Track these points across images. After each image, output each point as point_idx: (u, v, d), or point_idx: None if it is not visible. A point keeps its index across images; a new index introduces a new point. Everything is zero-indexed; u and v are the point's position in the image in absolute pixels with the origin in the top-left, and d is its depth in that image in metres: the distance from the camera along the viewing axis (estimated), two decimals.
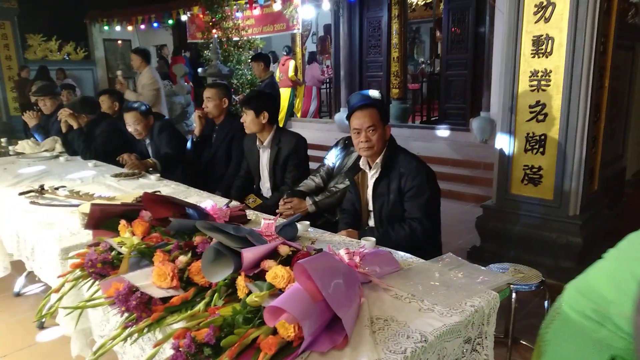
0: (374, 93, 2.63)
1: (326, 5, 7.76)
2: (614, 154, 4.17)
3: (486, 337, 1.33)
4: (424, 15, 12.03)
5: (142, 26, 10.38)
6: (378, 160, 2.17)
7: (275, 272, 1.25)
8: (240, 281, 1.29)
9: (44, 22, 11.23)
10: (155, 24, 10.22)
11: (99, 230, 1.85)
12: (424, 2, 11.41)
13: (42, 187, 2.58)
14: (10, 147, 4.35)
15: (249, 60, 8.50)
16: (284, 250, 1.34)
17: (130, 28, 10.75)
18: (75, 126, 3.71)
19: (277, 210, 2.53)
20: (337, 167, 2.79)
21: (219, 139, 3.42)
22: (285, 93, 9.62)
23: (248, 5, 8.05)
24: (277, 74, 8.80)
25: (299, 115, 9.75)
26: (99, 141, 3.77)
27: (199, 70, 6.83)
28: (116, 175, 3.06)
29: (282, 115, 9.31)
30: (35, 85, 5.44)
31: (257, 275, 1.32)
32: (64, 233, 2.02)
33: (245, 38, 8.18)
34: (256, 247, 1.34)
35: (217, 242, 1.40)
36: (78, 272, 1.63)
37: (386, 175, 2.15)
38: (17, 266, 2.82)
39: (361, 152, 2.17)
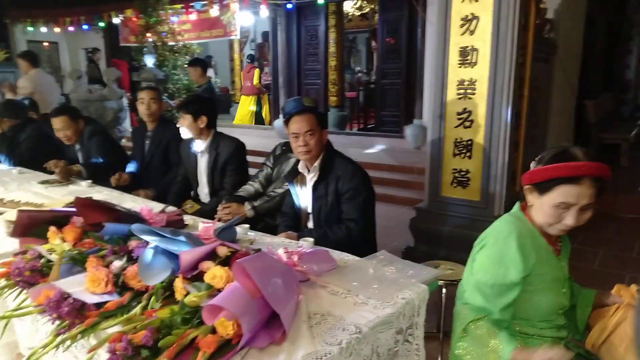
0: (307, 100, 2.72)
1: (264, 13, 7.79)
2: (534, 158, 4.49)
3: (417, 328, 1.41)
4: (360, 26, 12.34)
5: (71, 28, 9.90)
6: (316, 163, 2.23)
7: (214, 273, 1.27)
8: (178, 283, 1.29)
9: None
10: (85, 26, 9.79)
11: (27, 237, 1.78)
12: (360, 12, 11.71)
13: None
14: None
15: (185, 65, 8.37)
16: (223, 251, 1.36)
17: (57, 30, 10.23)
18: None
19: (215, 216, 2.52)
20: (275, 173, 2.83)
21: (153, 145, 3.35)
22: (248, 100, 9.59)
23: (184, 10, 7.93)
24: (240, 82, 8.81)
25: (267, 123, 9.70)
26: (24, 147, 3.58)
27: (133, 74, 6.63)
28: (44, 182, 2.92)
29: (245, 121, 9.29)
30: None
31: (196, 277, 1.33)
32: None
33: (181, 43, 8.03)
34: (194, 249, 1.35)
35: (154, 245, 1.39)
36: (3, 282, 1.56)
37: (324, 178, 2.21)
38: None
39: (299, 155, 2.22)
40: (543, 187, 1.37)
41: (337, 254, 1.73)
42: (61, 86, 11.25)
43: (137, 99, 3.34)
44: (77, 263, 1.53)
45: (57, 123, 3.27)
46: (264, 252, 1.36)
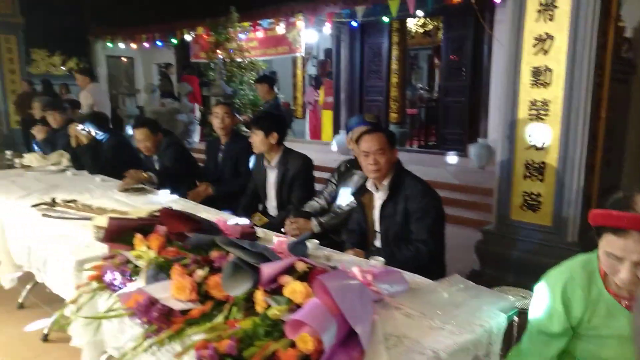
0: (369, 117, 2.75)
1: (327, 30, 7.95)
2: (611, 183, 4.27)
3: (492, 356, 1.38)
4: (422, 43, 12.27)
5: (146, 44, 10.53)
6: (385, 182, 2.25)
7: (294, 288, 1.31)
8: (259, 296, 1.35)
9: (48, 37, 11.37)
10: (159, 43, 10.38)
11: (115, 243, 1.91)
12: (423, 30, 11.67)
13: (53, 199, 2.62)
14: (16, 160, 4.40)
15: (251, 82, 8.67)
16: (301, 266, 1.40)
17: (134, 46, 10.91)
18: (84, 142, 3.77)
19: (283, 230, 2.58)
20: (339, 189, 2.86)
21: (226, 157, 3.49)
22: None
23: (252, 28, 8.23)
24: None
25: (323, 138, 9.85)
26: (106, 156, 3.83)
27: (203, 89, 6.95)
28: (125, 190, 3.11)
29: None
30: (39, 99, 5.52)
31: (274, 290, 1.38)
32: (78, 245, 2.07)
33: (247, 59, 8.34)
34: (274, 262, 1.40)
35: (236, 257, 1.45)
36: (95, 284, 1.68)
37: (393, 197, 2.22)
38: (21, 278, 2.85)
39: (369, 174, 2.24)
40: (596, 232, 1.27)
41: (408, 275, 1.73)
42: (135, 99, 11.97)
43: (208, 112, 3.51)
44: (162, 270, 1.63)
45: (139, 134, 3.48)
46: (341, 270, 1.38)
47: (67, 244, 2.12)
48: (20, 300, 3.20)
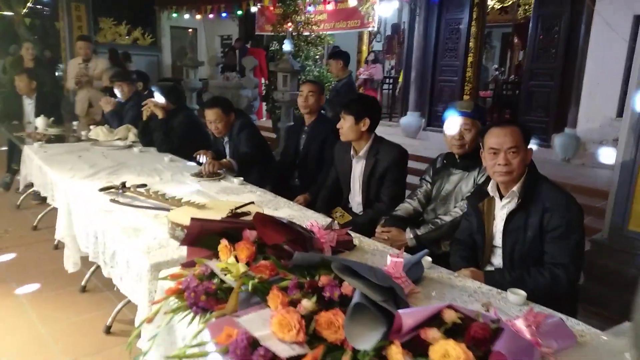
0: (463, 105, 2.33)
1: (401, 4, 7.40)
2: None
3: None
4: (497, 20, 11.41)
5: (211, 15, 10.30)
6: (515, 188, 1.84)
7: (447, 351, 0.95)
8: (395, 354, 1.00)
9: (115, 6, 11.40)
10: (224, 14, 10.13)
11: (195, 247, 1.62)
12: (500, 5, 10.81)
13: (123, 184, 2.39)
14: (83, 132, 4.27)
15: (317, 57, 8.27)
16: (451, 316, 1.04)
17: (198, 17, 10.72)
18: (160, 116, 3.54)
19: (372, 238, 2.22)
20: (435, 190, 2.46)
21: (309, 140, 3.17)
22: None
23: (322, 0, 7.79)
24: None
25: None
26: (175, 134, 3.59)
27: (270, 64, 6.61)
28: (196, 175, 2.85)
29: None
30: (108, 70, 5.38)
31: (413, 344, 1.03)
32: (152, 244, 1.81)
33: (314, 34, 7.93)
34: (415, 310, 1.05)
35: (361, 294, 1.11)
36: (174, 302, 1.40)
37: (525, 207, 1.81)
38: (85, 259, 2.66)
39: (496, 176, 1.85)
40: None
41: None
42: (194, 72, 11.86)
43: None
44: (257, 292, 1.32)
45: (211, 115, 3.21)
46: (509, 329, 1.01)
47: (137, 238, 1.87)
48: (83, 283, 3.04)
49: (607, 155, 5.85)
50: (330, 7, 7.93)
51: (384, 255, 1.81)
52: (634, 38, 5.62)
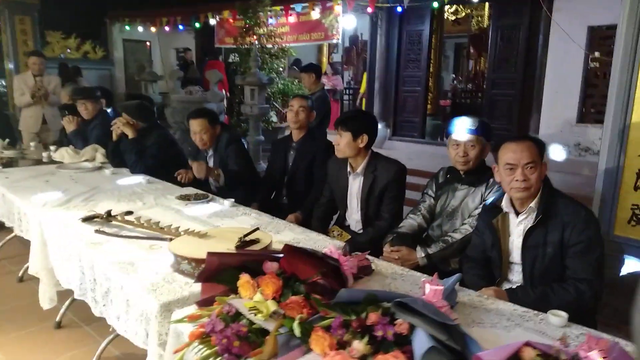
0: (470, 123, 2.29)
1: (362, 16, 7.42)
2: None
3: None
4: (451, 31, 11.73)
5: (167, 28, 10.02)
6: (532, 204, 1.81)
7: None
8: None
9: (63, 19, 10.88)
10: (180, 27, 9.87)
11: (208, 283, 1.48)
12: (454, 17, 11.11)
13: (109, 213, 2.19)
14: (44, 154, 3.98)
15: (281, 69, 8.18)
16: (530, 354, 0.96)
17: (153, 29, 10.40)
18: (130, 135, 3.33)
19: (381, 258, 2.13)
20: (440, 207, 2.40)
21: (298, 157, 3.06)
22: None
23: (284, 12, 7.72)
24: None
25: None
26: (149, 153, 3.39)
27: (236, 77, 6.44)
28: (182, 198, 2.68)
29: None
30: (68, 86, 5.06)
31: None
32: (155, 279, 1.64)
33: (277, 46, 7.85)
34: (493, 351, 0.97)
35: (427, 334, 1.02)
36: (200, 349, 1.25)
37: (543, 222, 1.78)
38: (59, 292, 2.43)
39: (514, 192, 1.81)
40: None
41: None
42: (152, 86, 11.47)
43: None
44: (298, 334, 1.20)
45: (196, 125, 3.07)
46: None
47: (136, 273, 1.70)
48: (57, 318, 2.79)
49: (570, 161, 6.07)
50: (292, 19, 7.86)
51: (406, 279, 1.73)
52: (590, 47, 5.90)
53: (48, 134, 5.60)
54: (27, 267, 2.85)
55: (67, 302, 2.75)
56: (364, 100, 8.97)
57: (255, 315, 1.28)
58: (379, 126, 7.92)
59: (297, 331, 1.16)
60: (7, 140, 4.29)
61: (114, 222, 2.17)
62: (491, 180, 2.18)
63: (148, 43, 11.84)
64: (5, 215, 2.92)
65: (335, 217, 2.86)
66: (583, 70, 5.95)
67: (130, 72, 11.79)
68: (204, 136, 3.10)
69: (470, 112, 9.12)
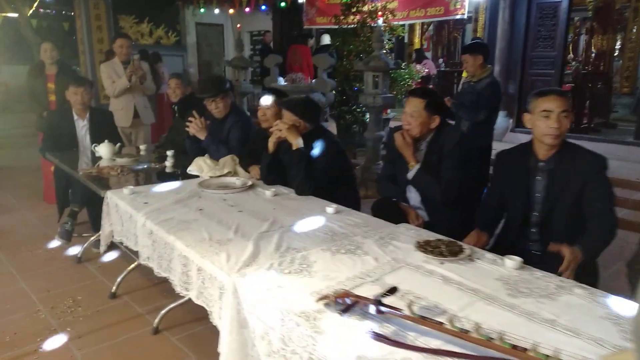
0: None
1: None
2: None
3: None
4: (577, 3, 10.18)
5: (247, 9, 9.20)
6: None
7: None
8: None
9: (134, 3, 10.30)
10: (263, 7, 9.03)
11: None
12: None
13: (393, 289, 1.31)
14: (167, 163, 3.21)
15: (385, 51, 7.17)
16: None
17: (231, 11, 9.61)
18: (296, 145, 2.48)
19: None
20: None
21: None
22: None
23: None
24: None
25: None
26: (319, 168, 2.52)
27: (360, 63, 5.43)
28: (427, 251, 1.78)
29: None
30: (177, 76, 4.25)
31: None
32: None
33: (384, 24, 6.83)
34: None
35: None
36: None
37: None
38: None
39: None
40: None
41: None
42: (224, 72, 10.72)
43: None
44: None
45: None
46: None
47: None
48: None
49: None
50: None
51: None
52: None
53: (139, 130, 4.86)
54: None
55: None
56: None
57: None
58: (499, 116, 6.92)
59: None
60: (118, 144, 3.55)
61: (384, 308, 1.27)
62: None
63: (239, 26, 11.07)
64: (156, 260, 2.12)
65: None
66: None
67: (204, 58, 11.12)
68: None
69: (586, 98, 7.79)
